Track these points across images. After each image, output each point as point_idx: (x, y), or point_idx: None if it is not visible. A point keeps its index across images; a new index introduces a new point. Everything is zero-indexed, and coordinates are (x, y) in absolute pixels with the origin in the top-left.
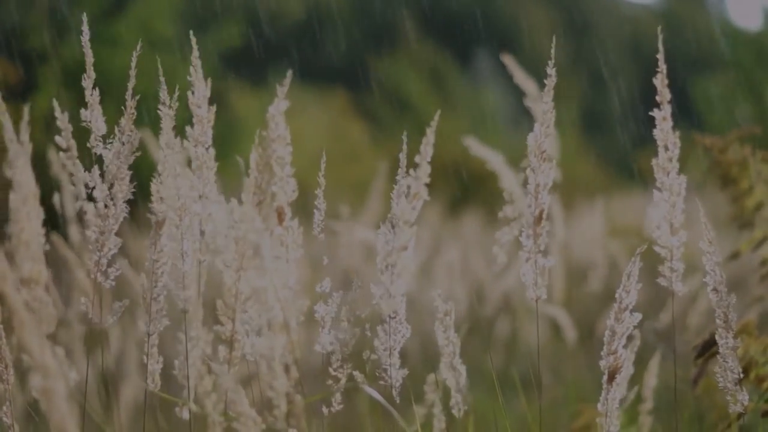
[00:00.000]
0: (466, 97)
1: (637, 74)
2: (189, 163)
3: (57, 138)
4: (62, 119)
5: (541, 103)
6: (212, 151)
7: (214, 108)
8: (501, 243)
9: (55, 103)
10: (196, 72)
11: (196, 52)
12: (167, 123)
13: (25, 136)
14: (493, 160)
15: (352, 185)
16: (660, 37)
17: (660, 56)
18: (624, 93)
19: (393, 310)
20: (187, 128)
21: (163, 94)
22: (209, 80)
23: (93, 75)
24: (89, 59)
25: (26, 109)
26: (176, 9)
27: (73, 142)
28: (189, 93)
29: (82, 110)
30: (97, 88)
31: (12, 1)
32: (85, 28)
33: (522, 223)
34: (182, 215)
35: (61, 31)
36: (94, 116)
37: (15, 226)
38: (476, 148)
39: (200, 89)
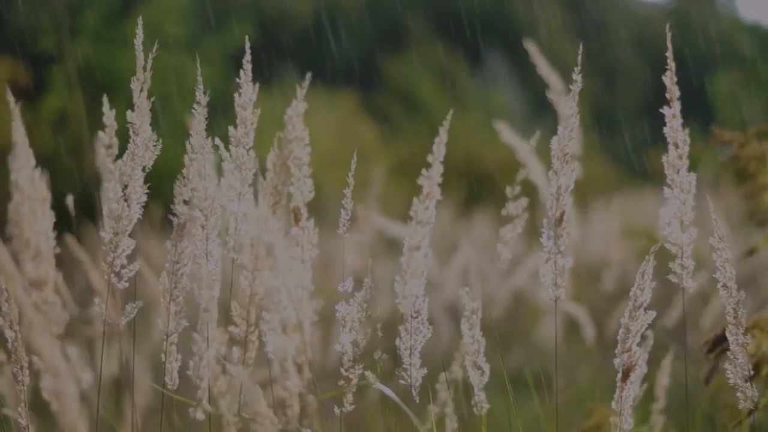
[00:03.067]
0: (477, 97)
1: (647, 72)
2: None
3: (100, 134)
4: (109, 115)
5: (566, 107)
6: (252, 153)
7: (258, 111)
8: (505, 240)
9: (105, 99)
10: (245, 75)
11: (248, 56)
12: (200, 123)
13: (22, 136)
14: (522, 148)
15: (362, 185)
16: (669, 35)
17: (669, 54)
18: (635, 91)
19: (413, 310)
20: (230, 128)
21: (199, 94)
22: (257, 84)
23: (142, 78)
24: (140, 63)
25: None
26: (185, 10)
27: (115, 140)
28: (236, 95)
29: (129, 112)
30: (145, 92)
31: (22, 3)
32: (139, 31)
33: (543, 223)
34: (208, 216)
35: (71, 33)
36: (142, 119)
37: (15, 228)
38: (506, 134)
39: (247, 92)
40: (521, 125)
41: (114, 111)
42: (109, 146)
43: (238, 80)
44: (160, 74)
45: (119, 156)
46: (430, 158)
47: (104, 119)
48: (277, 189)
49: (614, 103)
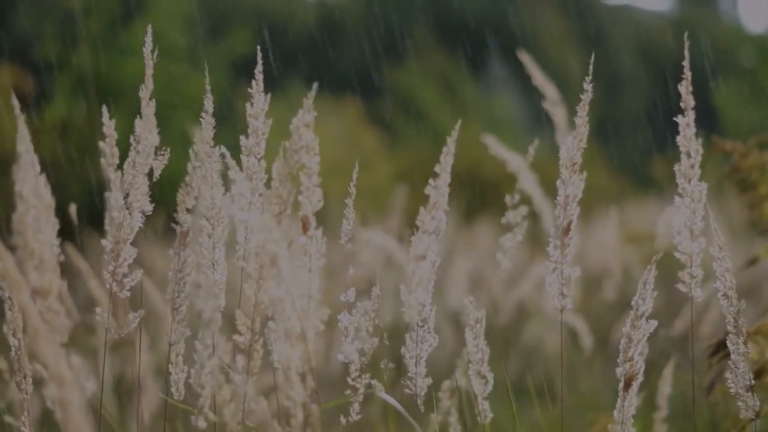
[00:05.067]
0: (479, 105)
1: (649, 81)
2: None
3: (101, 144)
4: (108, 125)
5: (576, 117)
6: (264, 163)
7: (270, 121)
8: (505, 249)
9: (104, 109)
10: (257, 85)
11: (259, 66)
12: (207, 132)
13: (28, 145)
14: (512, 160)
15: (365, 193)
16: (686, 44)
17: (686, 63)
18: (637, 100)
19: (420, 318)
20: (241, 138)
21: (207, 103)
22: (269, 95)
23: (151, 86)
24: (149, 70)
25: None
26: (187, 18)
27: (116, 150)
28: (248, 104)
29: (137, 121)
30: (152, 100)
31: (25, 10)
32: (148, 39)
33: (550, 233)
34: (215, 225)
35: (74, 41)
36: (147, 128)
37: (20, 237)
38: (495, 147)
39: (259, 102)
40: (524, 133)
41: (114, 120)
42: (110, 155)
43: (249, 90)
44: (163, 82)
45: (121, 164)
46: (437, 168)
47: (104, 129)
48: (282, 198)
49: (617, 112)
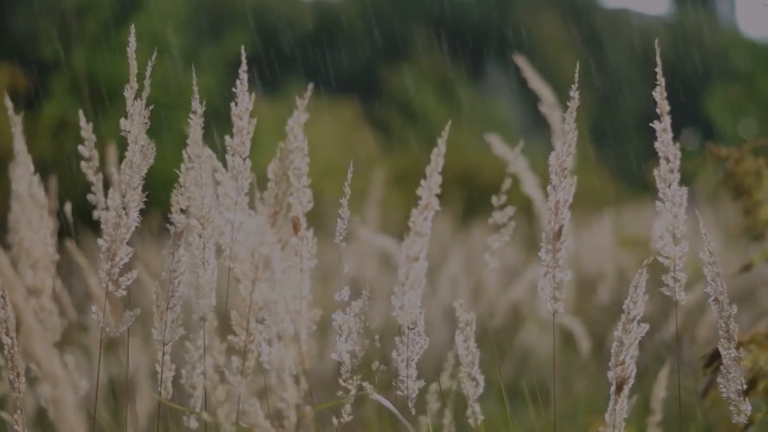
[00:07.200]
0: (477, 108)
1: (647, 85)
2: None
3: (80, 147)
4: (86, 128)
5: (564, 123)
6: (249, 162)
7: (254, 120)
8: (492, 249)
9: (81, 113)
10: (241, 84)
11: (244, 65)
12: (196, 132)
13: (22, 145)
14: (515, 161)
15: (362, 194)
16: (658, 51)
17: (658, 69)
18: (634, 104)
19: (408, 321)
20: (226, 137)
21: (195, 104)
22: (253, 94)
23: (135, 86)
24: (133, 70)
25: (19, 119)
26: (184, 18)
27: (95, 152)
28: (232, 104)
29: (122, 120)
30: (141, 100)
31: (22, 10)
32: (132, 39)
33: (542, 237)
34: (205, 224)
35: (70, 40)
36: (134, 127)
37: (15, 235)
38: (498, 146)
39: (243, 101)
40: (521, 136)
41: (91, 124)
42: (89, 158)
43: (234, 89)
44: (161, 83)
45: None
46: (428, 169)
47: (82, 132)
48: (278, 199)
49: (615, 115)
